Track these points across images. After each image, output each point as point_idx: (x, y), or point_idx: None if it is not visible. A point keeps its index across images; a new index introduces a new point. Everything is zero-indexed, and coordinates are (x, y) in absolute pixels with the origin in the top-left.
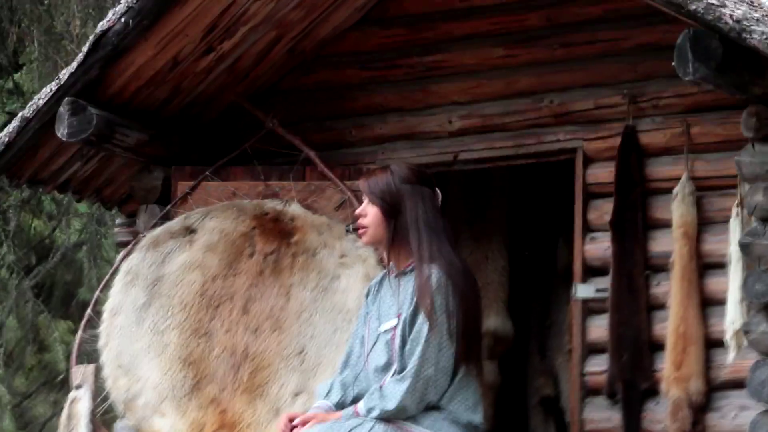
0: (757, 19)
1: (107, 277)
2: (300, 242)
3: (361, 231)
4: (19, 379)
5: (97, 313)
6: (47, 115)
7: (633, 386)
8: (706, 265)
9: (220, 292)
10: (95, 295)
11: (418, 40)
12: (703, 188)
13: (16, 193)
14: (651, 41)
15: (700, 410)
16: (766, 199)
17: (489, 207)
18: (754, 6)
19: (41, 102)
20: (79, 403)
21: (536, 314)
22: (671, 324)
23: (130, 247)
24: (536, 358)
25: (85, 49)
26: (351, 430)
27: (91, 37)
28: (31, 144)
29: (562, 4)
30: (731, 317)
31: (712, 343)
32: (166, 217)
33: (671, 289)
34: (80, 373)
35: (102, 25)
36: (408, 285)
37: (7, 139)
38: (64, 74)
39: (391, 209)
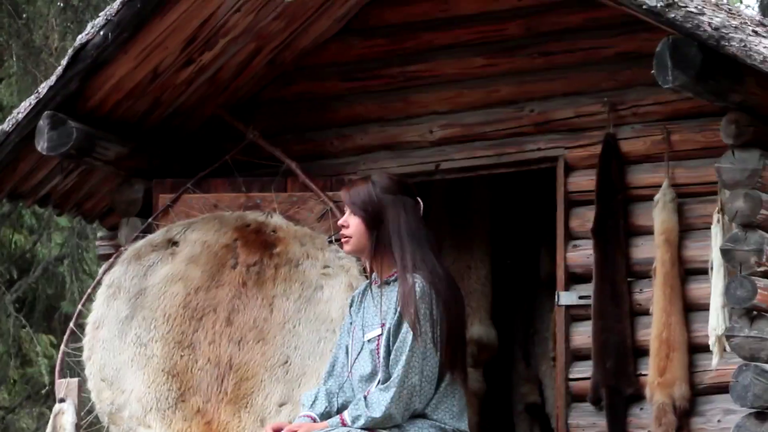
0: (736, 27)
1: (89, 290)
2: (282, 253)
3: (344, 240)
4: (3, 394)
5: (80, 327)
6: (27, 129)
7: (617, 392)
8: (688, 271)
9: (203, 303)
10: (78, 309)
11: (398, 50)
12: (683, 195)
13: None
14: (630, 49)
15: (684, 415)
16: (746, 205)
17: (471, 216)
18: (732, 14)
19: (21, 116)
20: (64, 416)
21: (520, 322)
22: (654, 330)
23: (112, 260)
24: (521, 366)
25: (64, 62)
26: None
27: (70, 51)
28: (11, 158)
29: (541, 13)
30: (714, 323)
31: (696, 349)
32: (148, 230)
33: (654, 296)
34: (64, 386)
35: (81, 38)
36: (392, 294)
37: None
38: (44, 88)
39: (372, 220)
